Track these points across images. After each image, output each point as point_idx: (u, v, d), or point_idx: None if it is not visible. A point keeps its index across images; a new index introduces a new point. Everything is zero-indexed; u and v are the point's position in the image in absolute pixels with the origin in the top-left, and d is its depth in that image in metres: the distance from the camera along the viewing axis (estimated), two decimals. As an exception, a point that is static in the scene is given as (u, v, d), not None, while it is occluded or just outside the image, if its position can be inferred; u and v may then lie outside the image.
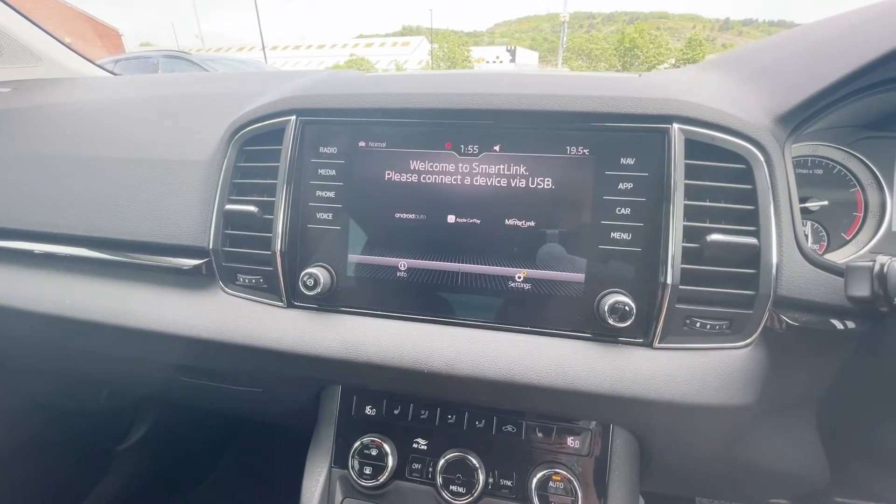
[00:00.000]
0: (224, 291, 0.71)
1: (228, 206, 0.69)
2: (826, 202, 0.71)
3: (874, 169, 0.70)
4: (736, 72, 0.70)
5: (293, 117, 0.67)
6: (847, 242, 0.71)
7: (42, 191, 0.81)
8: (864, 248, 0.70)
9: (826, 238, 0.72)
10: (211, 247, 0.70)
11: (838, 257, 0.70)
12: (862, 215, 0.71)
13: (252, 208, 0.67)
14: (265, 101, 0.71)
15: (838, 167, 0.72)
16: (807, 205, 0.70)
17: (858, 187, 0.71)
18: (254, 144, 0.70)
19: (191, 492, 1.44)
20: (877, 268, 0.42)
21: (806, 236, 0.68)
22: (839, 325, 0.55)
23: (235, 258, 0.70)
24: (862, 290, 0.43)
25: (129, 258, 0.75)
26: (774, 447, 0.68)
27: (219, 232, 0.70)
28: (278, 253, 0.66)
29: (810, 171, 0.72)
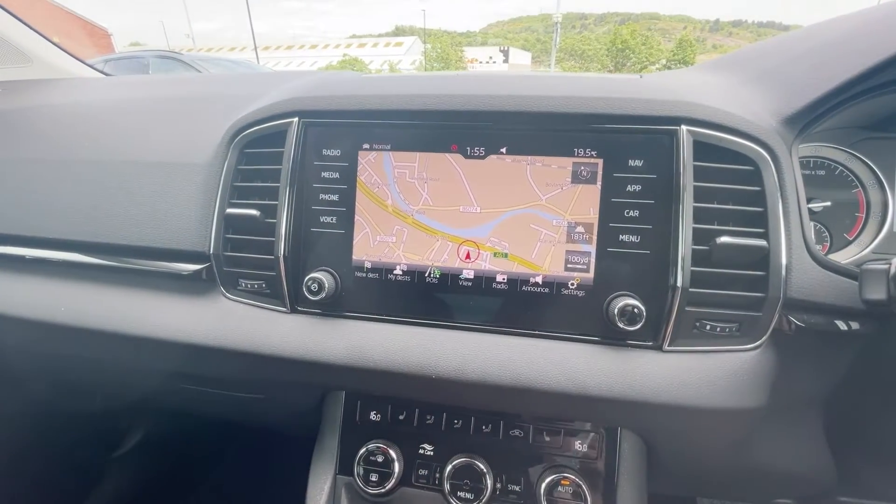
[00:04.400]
0: (225, 297, 0.70)
1: (229, 210, 0.67)
2: (829, 203, 0.71)
3: (876, 170, 0.70)
4: (740, 74, 0.70)
5: (295, 119, 0.66)
6: (850, 243, 0.71)
7: (38, 195, 0.79)
8: (866, 248, 0.70)
9: (829, 239, 0.72)
10: (212, 251, 0.69)
11: (841, 258, 0.70)
12: (864, 216, 0.71)
13: (254, 212, 0.66)
14: (266, 103, 0.69)
15: (840, 168, 0.72)
16: (810, 205, 0.70)
17: (860, 188, 0.71)
18: (255, 147, 0.69)
19: (189, 499, 1.42)
20: (893, 270, 0.42)
21: (811, 237, 0.68)
22: (844, 327, 0.55)
23: (237, 263, 0.69)
24: (878, 292, 0.43)
25: (127, 264, 0.74)
26: (781, 448, 0.68)
27: (220, 236, 0.68)
28: (281, 257, 0.65)
29: (813, 172, 0.73)
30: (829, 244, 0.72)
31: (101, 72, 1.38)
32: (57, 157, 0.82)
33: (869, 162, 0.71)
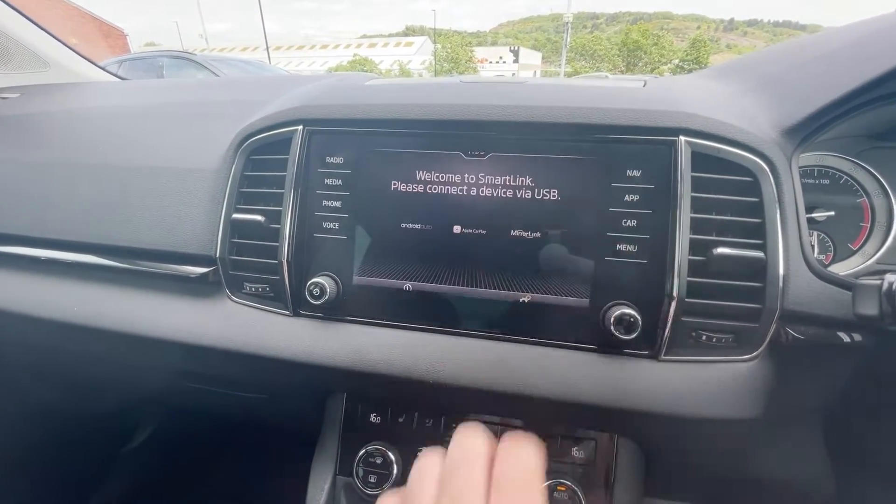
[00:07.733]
0: (231, 300, 0.72)
1: (235, 215, 0.69)
2: (833, 212, 0.70)
3: (881, 179, 0.70)
4: (743, 82, 0.70)
5: (300, 127, 0.68)
6: (854, 253, 0.71)
7: (50, 197, 0.81)
8: (870, 258, 0.69)
9: (832, 249, 0.72)
10: (218, 255, 0.71)
11: (845, 268, 0.70)
12: (869, 226, 0.70)
13: (259, 217, 0.68)
14: (272, 111, 0.71)
15: (845, 177, 0.72)
16: (813, 215, 0.70)
17: (865, 197, 0.71)
18: (261, 153, 0.71)
19: (195, 495, 1.45)
20: (885, 286, 0.42)
21: (812, 247, 0.68)
22: (846, 339, 0.55)
23: (242, 267, 0.71)
24: (870, 308, 0.43)
25: (137, 266, 0.76)
26: (779, 460, 0.68)
27: (226, 240, 0.70)
28: (284, 262, 0.66)
29: (816, 181, 0.72)
30: (832, 254, 0.72)
31: (116, 75, 1.42)
32: (72, 161, 0.85)
33: (874, 172, 0.70)
